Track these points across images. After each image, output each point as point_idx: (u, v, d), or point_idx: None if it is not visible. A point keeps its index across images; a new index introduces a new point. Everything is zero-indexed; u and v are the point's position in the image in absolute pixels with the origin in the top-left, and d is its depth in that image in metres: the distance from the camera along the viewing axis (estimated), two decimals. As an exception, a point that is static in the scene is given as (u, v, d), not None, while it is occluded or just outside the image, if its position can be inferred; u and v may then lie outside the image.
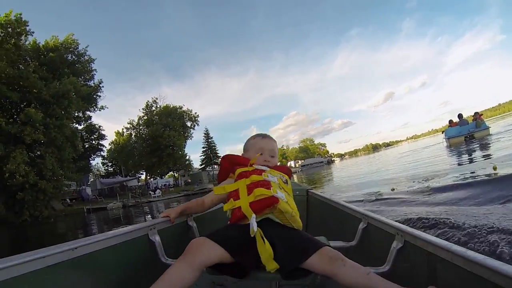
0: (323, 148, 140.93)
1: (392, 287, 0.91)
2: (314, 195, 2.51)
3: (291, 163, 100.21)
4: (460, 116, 13.47)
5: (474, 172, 4.94)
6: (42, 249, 0.82)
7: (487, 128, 12.78)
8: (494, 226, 2.06)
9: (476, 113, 13.29)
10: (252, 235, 1.03)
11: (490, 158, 6.58)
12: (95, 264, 0.99)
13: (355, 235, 1.55)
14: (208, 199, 1.43)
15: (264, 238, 1.02)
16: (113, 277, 1.07)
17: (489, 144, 9.54)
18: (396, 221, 1.28)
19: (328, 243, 1.21)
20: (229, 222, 1.21)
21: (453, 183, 4.37)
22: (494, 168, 4.51)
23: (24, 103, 21.04)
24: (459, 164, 6.98)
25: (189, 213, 1.54)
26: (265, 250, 1.00)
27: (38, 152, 21.08)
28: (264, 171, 1.30)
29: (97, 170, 51.70)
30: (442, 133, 14.41)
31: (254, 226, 1.04)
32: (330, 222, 2.11)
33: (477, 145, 9.88)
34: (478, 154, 7.99)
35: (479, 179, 4.07)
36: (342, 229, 1.80)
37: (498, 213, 2.47)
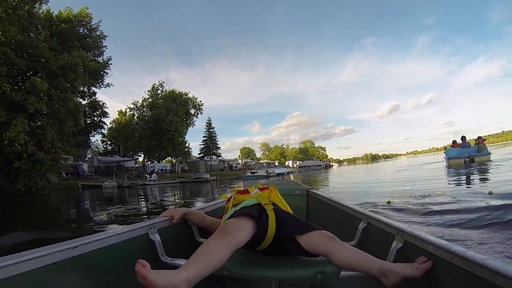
0: (322, 151, 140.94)
1: (386, 266, 0.99)
2: (314, 194, 2.53)
3: (289, 163, 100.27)
4: (463, 138, 13.48)
5: (470, 195, 4.94)
6: (41, 247, 0.82)
7: (488, 154, 12.76)
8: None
9: (479, 138, 13.30)
10: (254, 197, 1.35)
11: (487, 183, 6.63)
12: (94, 263, 0.99)
13: (355, 235, 1.56)
14: (210, 217, 1.61)
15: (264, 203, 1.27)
16: (112, 276, 1.07)
17: (488, 169, 9.54)
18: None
19: None
20: (229, 204, 1.46)
21: (450, 202, 4.44)
22: (490, 193, 4.60)
23: (31, 72, 20.93)
24: (456, 185, 7.04)
25: (189, 219, 1.57)
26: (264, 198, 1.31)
27: (39, 123, 21.03)
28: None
29: (96, 147, 51.70)
30: (445, 149, 14.42)
31: (257, 190, 1.43)
32: (330, 221, 2.13)
33: (476, 169, 9.89)
34: (476, 178, 8.02)
35: (475, 203, 4.06)
36: (342, 228, 1.81)
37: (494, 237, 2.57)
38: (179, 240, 1.49)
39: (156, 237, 1.29)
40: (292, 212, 1.45)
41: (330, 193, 7.88)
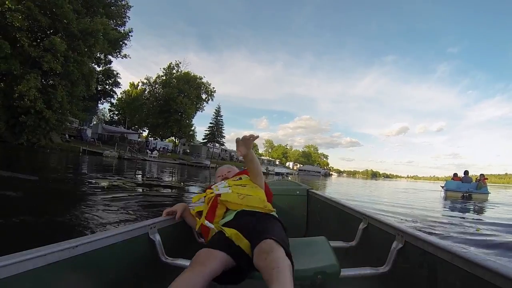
0: (324, 159, 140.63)
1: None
2: (315, 195, 2.52)
3: (290, 164, 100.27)
4: (466, 172, 13.33)
5: (461, 229, 4.98)
6: (42, 247, 0.82)
7: (487, 193, 12.60)
8: None
9: (481, 175, 13.14)
10: (220, 227, 1.22)
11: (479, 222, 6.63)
12: (95, 262, 0.99)
13: (355, 235, 1.56)
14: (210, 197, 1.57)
15: (224, 230, 1.17)
16: (113, 275, 1.07)
17: (483, 210, 9.39)
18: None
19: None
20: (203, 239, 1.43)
21: (441, 231, 4.56)
22: (477, 230, 4.85)
23: (51, 31, 21.03)
24: (450, 217, 7.05)
25: (186, 217, 1.56)
26: (232, 233, 1.13)
27: (51, 82, 21.20)
28: (215, 184, 1.61)
29: (102, 115, 52.15)
30: (444, 182, 14.34)
31: (210, 225, 1.29)
32: (330, 222, 2.13)
33: (472, 207, 9.74)
34: (469, 215, 7.94)
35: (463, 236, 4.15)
36: (343, 229, 1.82)
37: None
38: (179, 240, 1.49)
39: (157, 237, 1.29)
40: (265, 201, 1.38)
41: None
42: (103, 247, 1.01)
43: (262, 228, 1.10)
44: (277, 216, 1.36)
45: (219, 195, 1.38)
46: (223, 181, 1.64)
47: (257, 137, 1.34)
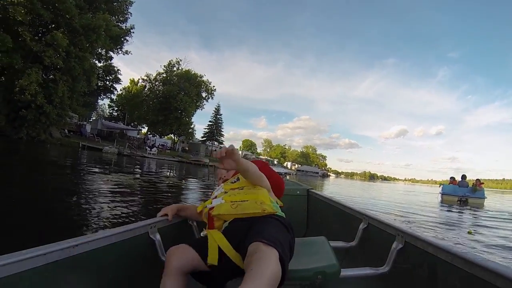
0: (323, 160, 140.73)
1: None
2: (315, 195, 2.51)
3: (288, 164, 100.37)
4: (463, 177, 13.32)
5: (454, 234, 5.11)
6: (42, 246, 0.83)
7: (483, 198, 12.60)
8: None
9: (477, 180, 13.19)
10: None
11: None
12: (95, 261, 1.00)
13: (355, 235, 1.57)
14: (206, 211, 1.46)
15: (216, 241, 1.07)
16: (113, 274, 1.08)
17: (479, 214, 9.36)
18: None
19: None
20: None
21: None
22: (469, 232, 5.08)
23: (53, 25, 20.97)
24: (444, 221, 7.16)
25: (185, 215, 1.55)
26: (224, 245, 1.04)
27: (52, 77, 21.15)
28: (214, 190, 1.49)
29: (102, 111, 51.95)
30: (440, 186, 14.34)
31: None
32: (330, 222, 2.12)
33: (468, 212, 9.70)
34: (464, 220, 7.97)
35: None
36: (343, 229, 1.82)
37: None
38: (179, 239, 1.47)
39: (157, 236, 1.30)
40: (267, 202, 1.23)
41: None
42: (103, 247, 1.01)
43: (253, 232, 0.97)
44: (281, 214, 1.27)
45: (211, 208, 1.28)
46: (222, 184, 1.52)
47: (233, 148, 1.09)
